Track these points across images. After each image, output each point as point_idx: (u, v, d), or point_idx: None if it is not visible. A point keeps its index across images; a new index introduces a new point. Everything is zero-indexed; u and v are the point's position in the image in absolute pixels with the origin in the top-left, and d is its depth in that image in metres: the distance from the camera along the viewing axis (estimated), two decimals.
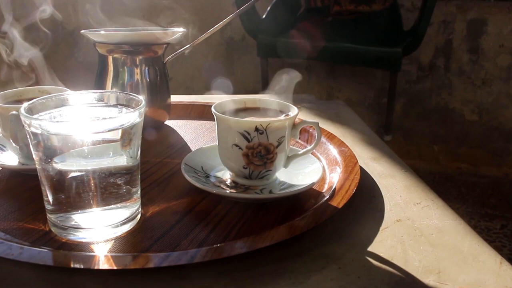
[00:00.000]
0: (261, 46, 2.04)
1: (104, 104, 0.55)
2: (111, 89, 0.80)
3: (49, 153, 0.48)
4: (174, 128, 0.87)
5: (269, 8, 2.15)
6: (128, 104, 0.53)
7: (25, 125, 0.48)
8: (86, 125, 0.48)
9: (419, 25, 1.93)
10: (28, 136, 0.48)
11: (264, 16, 2.14)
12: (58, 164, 0.48)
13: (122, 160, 0.50)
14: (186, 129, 0.87)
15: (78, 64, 2.50)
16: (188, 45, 0.83)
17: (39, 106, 0.51)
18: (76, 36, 2.52)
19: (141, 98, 0.51)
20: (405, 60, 2.23)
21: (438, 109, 2.43)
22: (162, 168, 0.69)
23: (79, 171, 0.48)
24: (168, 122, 0.89)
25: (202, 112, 0.95)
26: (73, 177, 0.48)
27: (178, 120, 0.91)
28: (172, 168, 0.69)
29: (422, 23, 1.91)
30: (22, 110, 0.48)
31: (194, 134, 0.84)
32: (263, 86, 2.10)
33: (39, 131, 0.47)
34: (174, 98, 0.88)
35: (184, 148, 0.78)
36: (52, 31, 2.44)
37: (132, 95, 0.53)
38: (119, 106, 0.54)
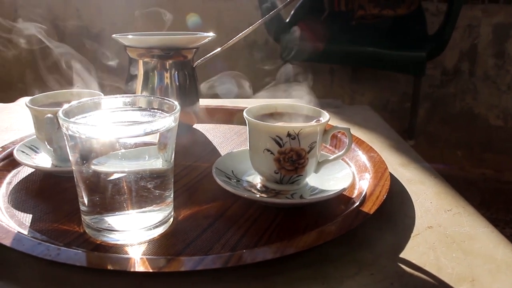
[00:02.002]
0: (285, 49, 2.04)
1: (138, 108, 0.56)
2: (141, 93, 0.81)
3: (86, 156, 0.49)
4: (203, 132, 0.88)
5: (292, 12, 2.15)
6: (162, 108, 0.54)
7: (62, 128, 0.49)
8: (123, 128, 0.48)
9: (444, 30, 1.91)
10: (65, 138, 0.49)
11: (287, 20, 2.14)
12: (94, 166, 0.49)
13: (157, 163, 0.50)
14: (214, 133, 0.88)
15: (103, 66, 2.52)
16: (217, 50, 0.83)
17: (76, 109, 0.52)
18: (100, 39, 2.55)
19: (176, 103, 0.52)
20: (429, 65, 2.22)
21: (462, 114, 2.40)
22: (192, 172, 0.70)
23: (115, 173, 0.49)
24: (196, 126, 0.90)
25: (230, 116, 0.95)
26: (108, 180, 0.49)
27: (206, 124, 0.92)
28: (202, 171, 0.70)
29: (447, 27, 1.90)
30: (60, 114, 0.49)
31: (223, 138, 0.85)
32: (285, 90, 2.09)
33: (76, 134, 0.48)
34: (202, 102, 0.89)
35: (213, 152, 0.79)
36: (77, 34, 2.48)
37: (166, 99, 0.54)
38: (152, 110, 0.55)
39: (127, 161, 0.49)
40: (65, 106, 0.51)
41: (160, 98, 0.54)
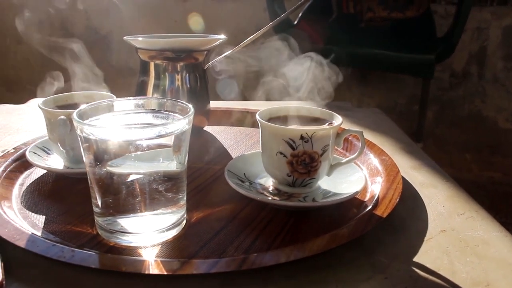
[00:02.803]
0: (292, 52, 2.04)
1: (151, 110, 0.56)
2: (152, 95, 0.81)
3: (100, 157, 0.49)
4: (213, 134, 0.88)
5: (300, 14, 2.15)
6: (175, 111, 0.54)
7: (77, 130, 0.49)
8: (137, 131, 0.49)
9: (453, 32, 1.90)
10: (79, 140, 0.50)
11: (295, 22, 2.14)
12: (108, 168, 0.49)
13: (172, 165, 0.50)
14: (225, 135, 0.88)
15: (111, 68, 2.53)
16: (228, 52, 0.83)
17: (90, 111, 0.53)
18: (108, 41, 2.55)
19: (190, 105, 0.52)
20: (437, 67, 2.21)
21: (471, 116, 2.39)
22: (204, 174, 0.70)
23: (129, 175, 0.49)
24: (207, 128, 0.90)
25: (240, 119, 0.95)
26: (122, 181, 0.49)
27: (216, 126, 0.92)
28: (214, 174, 0.70)
29: (456, 30, 1.89)
30: (74, 116, 0.49)
31: (234, 141, 0.85)
32: (294, 92, 2.09)
33: (91, 137, 0.48)
34: (212, 104, 0.89)
35: (224, 154, 0.79)
36: (85, 36, 2.48)
37: (179, 101, 0.54)
38: (165, 112, 0.55)
39: (141, 163, 0.49)
40: (80, 108, 0.51)
41: (174, 100, 0.54)
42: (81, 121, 0.48)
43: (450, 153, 2.40)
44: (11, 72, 2.71)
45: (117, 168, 0.49)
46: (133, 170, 0.49)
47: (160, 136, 0.47)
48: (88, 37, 2.53)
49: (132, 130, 0.50)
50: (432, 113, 2.41)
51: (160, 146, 0.49)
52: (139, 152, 0.48)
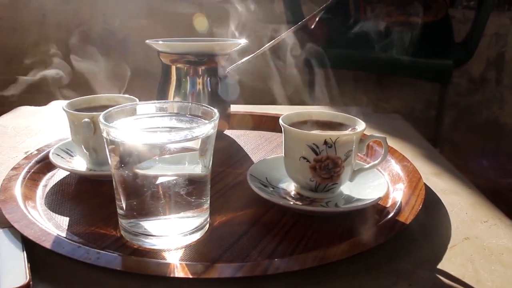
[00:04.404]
0: (309, 56, 2.04)
1: (175, 114, 0.56)
2: (174, 98, 0.81)
3: (126, 160, 0.49)
4: (234, 138, 0.88)
5: (317, 18, 2.15)
6: (199, 115, 0.55)
7: (103, 132, 0.49)
8: (164, 134, 0.49)
9: (472, 37, 1.89)
10: (104, 142, 0.50)
11: (312, 27, 2.14)
12: (134, 171, 0.49)
13: (197, 169, 0.51)
14: (245, 139, 0.88)
15: (127, 70, 2.55)
16: (249, 56, 0.84)
17: (115, 114, 0.53)
18: (126, 44, 2.57)
19: (215, 109, 0.52)
20: (455, 73, 2.19)
21: (489, 123, 2.37)
22: (226, 178, 0.70)
23: (154, 178, 0.50)
24: (227, 132, 0.90)
25: (260, 123, 0.95)
26: (147, 184, 0.50)
27: (236, 130, 0.92)
28: (236, 178, 0.70)
29: (475, 35, 1.88)
30: (101, 119, 0.49)
31: (254, 145, 0.85)
32: (309, 96, 2.09)
33: (117, 139, 0.48)
34: (231, 108, 0.89)
35: (245, 158, 0.79)
36: (102, 39, 2.51)
37: (203, 105, 0.54)
38: (189, 116, 0.55)
39: (167, 167, 0.49)
40: (105, 111, 0.52)
41: (198, 104, 0.55)
42: (108, 124, 0.49)
43: (467, 160, 2.38)
44: (28, 74, 2.74)
45: (142, 170, 0.49)
46: (158, 173, 0.49)
47: (187, 140, 0.48)
48: (105, 39, 2.55)
49: (159, 133, 0.50)
50: (449, 119, 2.39)
51: (186, 149, 0.49)
52: (165, 156, 0.48)
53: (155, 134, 0.50)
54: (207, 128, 0.49)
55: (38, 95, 2.68)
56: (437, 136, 2.10)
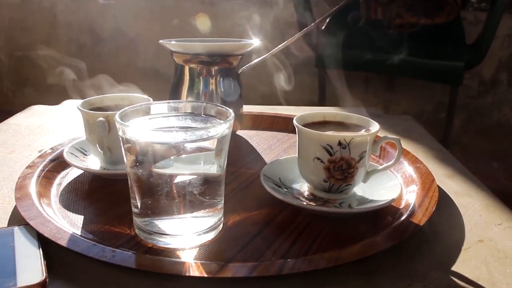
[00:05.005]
0: (320, 57, 2.04)
1: (190, 114, 0.56)
2: (186, 98, 0.82)
3: (142, 159, 0.49)
4: (246, 138, 0.89)
5: (328, 19, 2.15)
6: (214, 115, 0.55)
7: (119, 131, 0.50)
8: (181, 133, 0.49)
9: (483, 39, 1.88)
10: (120, 141, 0.50)
11: (323, 28, 2.13)
12: (149, 170, 0.50)
13: (212, 169, 0.51)
14: (257, 140, 0.88)
15: (137, 70, 2.56)
16: (262, 57, 0.84)
17: (131, 113, 0.53)
18: (136, 43, 2.58)
19: (230, 109, 0.52)
20: (466, 74, 2.18)
21: (499, 125, 2.36)
22: (239, 178, 0.70)
23: (170, 177, 0.50)
24: (239, 132, 0.91)
25: (272, 123, 0.96)
26: (162, 183, 0.50)
27: (249, 131, 0.92)
28: (248, 178, 0.70)
29: (486, 36, 1.87)
30: (117, 117, 0.50)
31: (266, 145, 0.85)
32: (320, 97, 2.09)
33: (133, 138, 0.48)
34: (244, 108, 0.89)
35: (257, 158, 0.79)
36: (113, 39, 2.52)
37: (218, 105, 0.55)
38: (204, 116, 0.56)
39: (183, 166, 0.49)
40: (121, 110, 0.52)
41: (213, 104, 0.55)
42: (124, 123, 0.49)
43: (477, 162, 2.36)
44: (38, 73, 2.76)
45: (158, 170, 0.49)
46: (174, 172, 0.50)
47: (203, 139, 0.48)
48: (116, 39, 2.56)
49: (175, 132, 0.50)
50: (460, 121, 2.38)
51: (202, 149, 0.49)
52: (180, 155, 0.48)
53: (172, 133, 0.50)
54: (223, 128, 0.49)
55: (48, 94, 2.69)
56: (447, 138, 2.09)
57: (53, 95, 2.68)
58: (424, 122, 2.40)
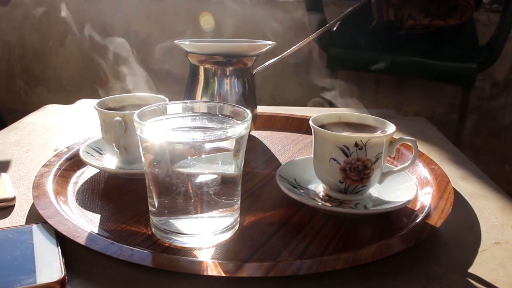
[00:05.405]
0: (331, 58, 2.03)
1: (207, 114, 0.57)
2: (201, 98, 0.82)
3: (159, 158, 0.50)
4: (260, 139, 0.89)
5: (340, 20, 2.14)
6: (231, 115, 0.55)
7: (137, 130, 0.50)
8: (199, 133, 0.49)
9: (496, 41, 1.87)
10: (139, 140, 0.51)
11: (335, 29, 2.13)
12: (167, 169, 0.50)
13: (230, 169, 0.51)
14: (271, 140, 0.88)
15: (149, 71, 2.56)
16: (275, 58, 0.84)
17: (148, 113, 0.54)
18: (148, 44, 2.59)
19: (247, 110, 0.53)
20: (478, 76, 2.17)
21: None
22: (253, 178, 0.70)
23: (187, 177, 0.50)
24: (253, 133, 0.91)
25: (285, 124, 0.96)
26: (180, 183, 0.50)
27: (262, 131, 0.93)
28: (263, 178, 0.70)
29: (499, 38, 1.86)
30: (135, 117, 0.50)
31: (280, 146, 0.85)
32: (330, 98, 2.08)
33: (152, 138, 0.49)
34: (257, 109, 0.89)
35: (271, 159, 0.79)
36: (124, 39, 2.52)
37: (236, 106, 0.55)
38: (220, 116, 0.56)
39: (201, 166, 0.50)
40: (139, 109, 0.52)
41: (230, 104, 0.55)
42: (143, 122, 0.49)
43: (488, 164, 2.35)
44: (51, 73, 2.78)
45: (175, 169, 0.50)
46: (192, 172, 0.50)
47: (222, 140, 0.48)
48: (128, 40, 2.57)
49: (194, 132, 0.51)
50: (471, 122, 2.37)
51: (219, 149, 0.50)
52: (199, 155, 0.49)
53: (190, 133, 0.50)
54: (241, 128, 0.49)
55: (60, 94, 2.70)
56: (459, 140, 2.08)
57: (66, 94, 2.71)
58: (436, 124, 2.39)
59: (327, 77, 2.17)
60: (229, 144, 0.49)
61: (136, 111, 0.52)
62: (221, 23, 2.36)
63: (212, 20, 2.31)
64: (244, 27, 2.25)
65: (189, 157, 0.49)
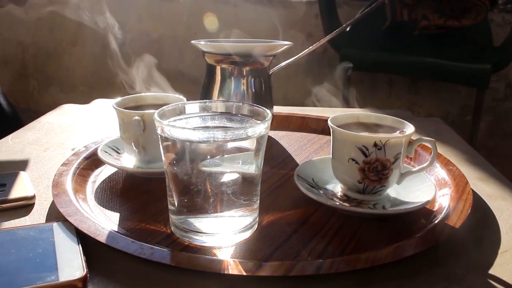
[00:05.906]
0: (344, 59, 2.03)
1: (226, 113, 0.57)
2: (218, 98, 0.82)
3: (180, 157, 0.50)
4: (276, 139, 0.89)
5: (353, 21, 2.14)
6: (251, 115, 0.55)
7: (158, 129, 0.50)
8: (220, 133, 0.49)
9: (511, 41, 1.85)
10: (159, 139, 0.51)
11: (348, 29, 2.12)
12: (187, 168, 0.50)
13: (251, 169, 0.51)
14: (287, 141, 0.88)
15: (162, 71, 2.57)
16: (292, 59, 0.84)
17: (168, 112, 0.54)
18: (160, 44, 2.60)
19: (267, 110, 0.53)
20: (492, 77, 2.15)
21: None
22: (271, 178, 0.70)
23: (208, 176, 0.50)
24: (270, 133, 0.91)
25: (301, 124, 0.96)
26: (200, 182, 0.50)
27: (279, 131, 0.93)
28: (281, 178, 0.71)
29: None
30: (156, 116, 0.50)
31: (296, 146, 0.85)
32: (344, 98, 2.08)
33: (173, 137, 0.49)
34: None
35: (288, 159, 0.79)
36: (138, 39, 2.53)
37: (255, 106, 0.55)
38: (240, 116, 0.56)
39: (221, 165, 0.50)
40: (160, 109, 0.53)
41: (250, 104, 0.55)
42: (164, 121, 0.50)
43: (503, 166, 2.33)
44: (64, 73, 2.79)
45: (196, 168, 0.50)
46: (213, 171, 0.50)
47: (243, 139, 0.48)
48: (141, 40, 2.58)
49: (215, 132, 0.51)
50: (485, 124, 2.35)
51: (239, 149, 0.50)
52: (225, 156, 0.49)
53: (211, 132, 0.50)
54: (261, 128, 0.50)
55: (73, 94, 2.71)
56: (472, 142, 2.06)
57: (78, 95, 2.72)
58: (449, 125, 2.37)
59: (340, 78, 2.17)
60: (250, 144, 0.50)
61: (156, 111, 0.52)
62: (234, 24, 2.37)
63: (216, 21, 2.31)
64: (257, 27, 2.25)
65: (208, 156, 0.49)
